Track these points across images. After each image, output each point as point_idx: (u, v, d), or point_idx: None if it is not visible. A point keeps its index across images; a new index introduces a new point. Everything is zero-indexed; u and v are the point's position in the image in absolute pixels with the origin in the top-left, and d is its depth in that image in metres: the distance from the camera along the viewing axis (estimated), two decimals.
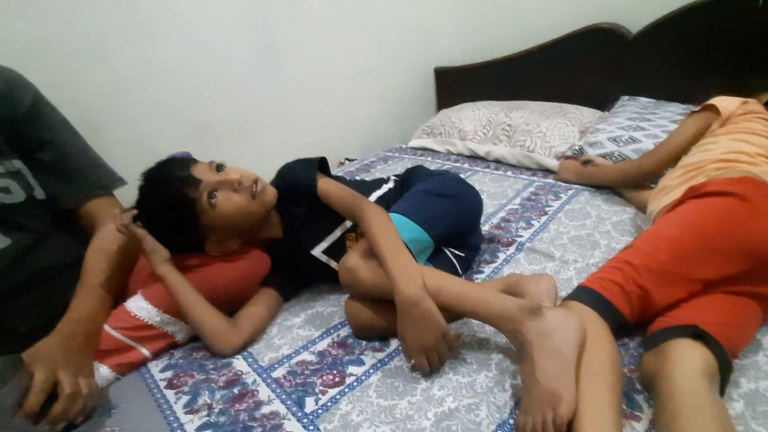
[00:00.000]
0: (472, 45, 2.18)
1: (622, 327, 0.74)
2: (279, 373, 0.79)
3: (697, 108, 1.07)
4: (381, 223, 0.81)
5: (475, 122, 1.78)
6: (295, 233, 0.95)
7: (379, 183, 1.05)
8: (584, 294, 0.76)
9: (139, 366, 0.85)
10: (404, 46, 2.14)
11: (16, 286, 0.85)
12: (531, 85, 1.93)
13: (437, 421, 0.65)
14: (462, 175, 1.57)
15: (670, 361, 0.62)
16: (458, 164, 1.69)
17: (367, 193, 0.99)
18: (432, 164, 1.72)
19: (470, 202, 1.01)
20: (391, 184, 1.05)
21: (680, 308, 0.71)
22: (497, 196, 1.38)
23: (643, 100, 1.58)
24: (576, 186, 1.35)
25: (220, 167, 0.86)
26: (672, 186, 0.94)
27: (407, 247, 0.85)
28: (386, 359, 0.79)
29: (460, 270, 0.98)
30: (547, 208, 1.25)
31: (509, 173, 1.55)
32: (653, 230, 0.82)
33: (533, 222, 1.19)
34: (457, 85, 2.23)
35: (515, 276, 0.86)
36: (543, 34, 1.85)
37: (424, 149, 1.91)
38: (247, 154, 1.60)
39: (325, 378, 0.76)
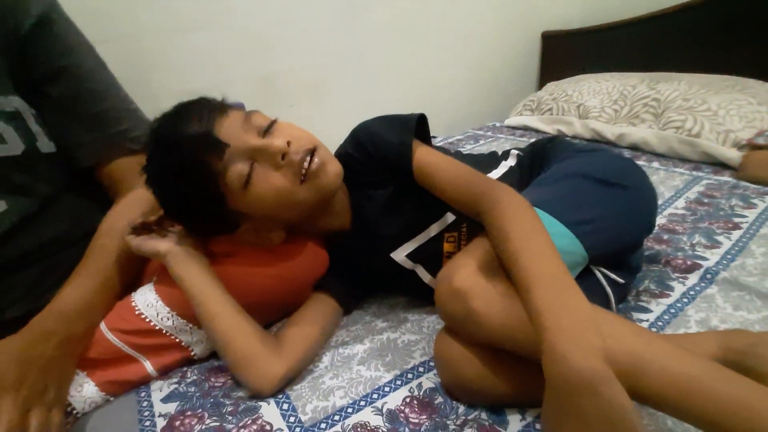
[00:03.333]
0: (593, 4, 1.73)
1: None
2: None
3: None
4: (525, 222, 0.47)
5: (602, 96, 1.36)
6: (371, 227, 0.64)
7: (494, 159, 0.70)
8: None
9: (138, 385, 0.60)
10: (507, 4, 1.74)
11: (12, 261, 0.63)
12: (679, 54, 1.45)
13: None
14: None
15: None
16: None
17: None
18: None
19: (648, 197, 0.63)
20: (512, 161, 0.70)
21: None
22: None
23: None
24: None
25: (270, 125, 0.56)
26: None
27: None
28: None
29: (614, 305, 0.62)
30: (737, 219, 0.83)
31: (655, 164, 1.13)
32: None
33: (718, 238, 0.78)
34: (568, 53, 1.79)
35: (742, 335, 0.48)
36: None
37: (526, 128, 1.52)
38: (313, 115, 1.32)
39: None
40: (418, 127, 0.60)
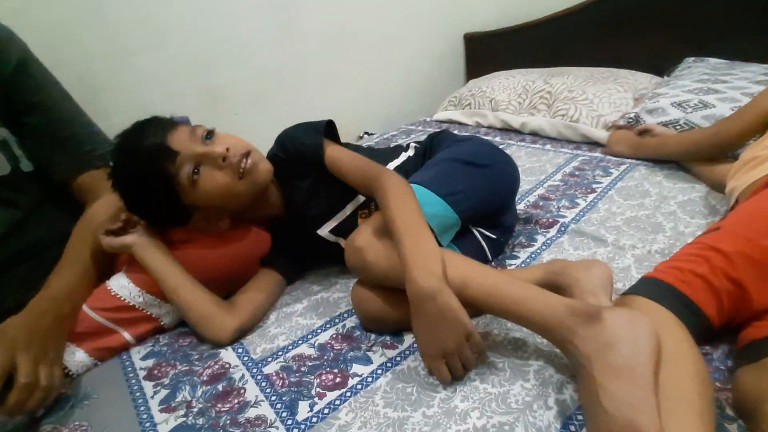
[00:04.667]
0: (506, 7, 1.96)
1: (705, 332, 0.57)
2: (272, 368, 0.67)
3: None
4: (400, 196, 0.66)
5: (509, 91, 1.59)
6: (299, 210, 0.82)
7: (396, 151, 0.89)
8: (655, 288, 0.58)
9: (120, 351, 0.75)
10: (432, 10, 1.95)
11: (4, 262, 0.77)
12: (574, 50, 1.71)
13: None
14: None
15: None
16: (489, 137, 1.51)
17: (383, 163, 0.84)
18: None
19: (506, 172, 0.84)
20: (411, 152, 0.89)
21: None
22: (534, 171, 1.20)
23: (714, 60, 1.34)
24: (629, 160, 1.15)
25: (208, 135, 0.72)
26: (765, 156, 0.75)
27: (428, 225, 0.70)
28: (398, 358, 0.65)
29: (490, 255, 0.82)
30: (595, 185, 1.07)
31: (548, 146, 1.36)
32: (749, 209, 0.64)
33: (578, 200, 1.01)
34: (489, 52, 2.02)
35: (560, 262, 0.70)
36: None
37: (451, 122, 1.73)
38: (259, 123, 1.47)
39: (324, 377, 0.63)
40: (328, 130, 0.78)
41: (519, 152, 1.35)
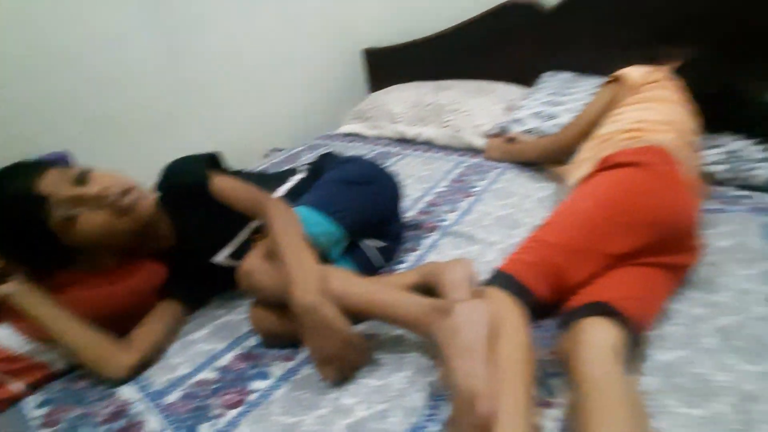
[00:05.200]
0: (400, 24, 2.10)
1: (539, 307, 0.72)
2: (173, 397, 0.70)
3: (608, 79, 1.07)
4: (282, 220, 0.72)
5: (404, 104, 1.72)
6: (193, 239, 0.84)
7: (286, 175, 0.95)
8: (499, 278, 0.72)
9: (14, 401, 0.73)
10: (328, 28, 2.03)
11: None
12: (461, 63, 1.89)
13: None
14: (392, 159, 1.52)
15: (580, 341, 0.60)
16: (388, 148, 1.63)
17: (273, 187, 0.90)
18: (362, 149, 1.64)
19: (386, 187, 0.94)
20: (302, 175, 0.96)
21: (593, 284, 0.69)
22: (426, 179, 1.33)
23: (564, 75, 1.58)
24: (502, 165, 1.33)
25: (82, 176, 0.71)
26: (586, 158, 0.93)
27: (318, 242, 0.77)
28: (296, 368, 0.71)
29: (380, 262, 0.92)
30: (472, 189, 1.22)
31: (439, 155, 1.51)
32: (566, 205, 0.80)
33: (459, 204, 1.15)
34: (388, 66, 2.14)
35: (431, 265, 0.81)
36: (469, 10, 1.80)
37: (355, 135, 1.83)
38: (161, 149, 1.44)
39: (225, 398, 0.68)
40: (214, 161, 0.82)
41: (414, 161, 1.48)
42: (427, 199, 1.21)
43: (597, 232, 0.71)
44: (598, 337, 0.59)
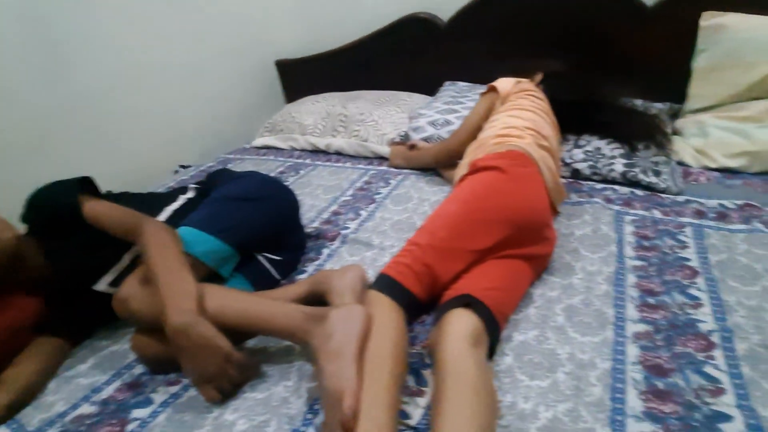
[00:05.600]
0: (311, 36, 2.13)
1: (417, 306, 0.77)
2: None
3: (485, 89, 1.18)
4: (157, 241, 0.72)
5: (315, 115, 1.75)
6: (70, 269, 0.81)
7: (174, 195, 0.94)
8: (381, 281, 0.77)
9: None
10: (237, 40, 2.00)
11: None
12: (369, 74, 1.96)
13: None
14: (303, 171, 1.54)
15: (443, 331, 0.66)
16: (301, 160, 1.65)
17: (161, 207, 0.89)
18: (275, 162, 1.65)
19: (280, 201, 0.96)
20: (190, 194, 0.95)
21: (460, 280, 0.77)
22: (333, 189, 1.37)
23: (461, 84, 1.70)
24: (405, 171, 1.40)
25: None
26: (464, 163, 1.02)
27: (204, 261, 0.77)
28: (180, 392, 0.71)
29: (278, 275, 0.94)
30: (376, 196, 1.27)
31: (348, 164, 1.55)
32: (438, 209, 0.87)
33: (361, 212, 1.20)
34: (302, 78, 2.16)
35: (322, 273, 0.84)
36: (373, 23, 1.88)
37: (268, 147, 1.82)
38: (46, 169, 1.32)
39: (103, 431, 0.66)
40: (86, 185, 0.79)
41: (323, 172, 1.51)
42: (332, 208, 1.24)
43: (461, 231, 0.78)
44: (456, 327, 0.66)
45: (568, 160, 1.21)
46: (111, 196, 0.86)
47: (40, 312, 0.80)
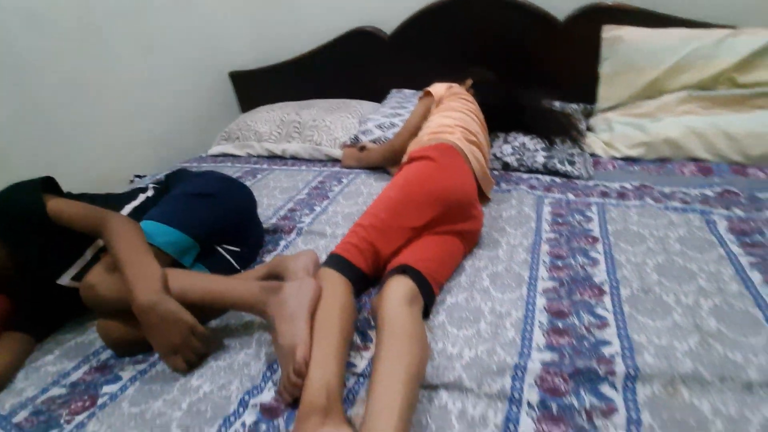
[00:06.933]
0: (263, 48, 2.21)
1: (364, 279, 0.88)
2: (21, 416, 0.71)
3: (422, 93, 1.32)
4: (123, 233, 0.78)
5: (270, 123, 1.84)
6: (33, 265, 0.85)
7: (134, 194, 1.00)
8: (331, 259, 0.87)
9: None
10: (192, 53, 2.06)
11: None
12: (319, 84, 2.07)
13: (188, 408, 0.67)
14: (260, 175, 1.62)
15: (384, 294, 0.77)
16: (258, 165, 1.72)
17: (119, 207, 0.94)
18: (232, 168, 1.71)
19: (236, 197, 1.04)
20: (149, 193, 1.01)
21: (400, 254, 0.88)
22: (289, 190, 1.45)
23: (407, 91, 1.85)
24: (356, 170, 1.51)
25: None
26: (405, 158, 1.15)
27: (165, 251, 0.84)
28: (147, 369, 0.77)
29: (238, 266, 1.01)
30: (329, 194, 1.37)
31: (303, 167, 1.65)
32: (379, 195, 0.99)
33: (316, 207, 1.30)
34: (256, 88, 2.24)
35: (278, 258, 0.93)
36: (322, 36, 1.99)
37: (225, 155, 1.88)
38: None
39: (74, 406, 0.71)
40: (49, 185, 0.84)
41: (280, 175, 1.60)
42: (289, 206, 1.33)
43: (399, 212, 0.90)
44: (394, 289, 0.77)
45: (499, 155, 1.37)
46: (72, 197, 0.91)
47: (5, 309, 0.84)
